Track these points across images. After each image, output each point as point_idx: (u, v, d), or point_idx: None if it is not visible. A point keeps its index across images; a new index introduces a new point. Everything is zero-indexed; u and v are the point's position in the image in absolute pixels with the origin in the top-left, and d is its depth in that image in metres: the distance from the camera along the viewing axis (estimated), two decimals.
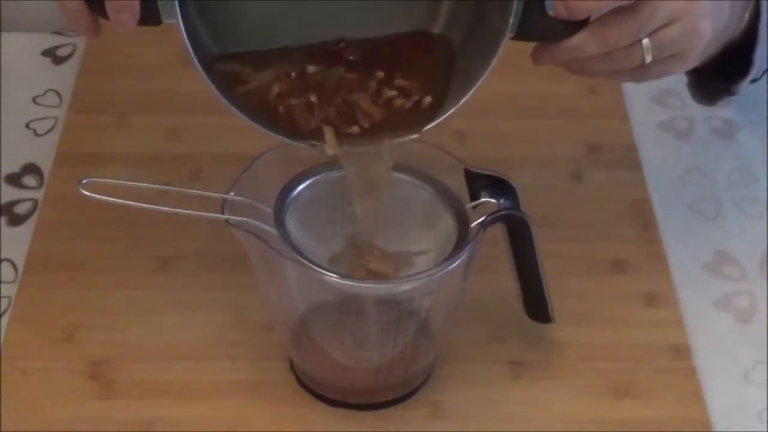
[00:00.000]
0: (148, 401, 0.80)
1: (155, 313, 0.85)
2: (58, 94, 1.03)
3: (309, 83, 0.73)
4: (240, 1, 0.74)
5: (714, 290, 0.90)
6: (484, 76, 0.71)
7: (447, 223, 0.76)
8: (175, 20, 0.66)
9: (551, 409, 0.81)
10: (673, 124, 1.03)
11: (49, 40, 1.09)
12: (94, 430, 0.78)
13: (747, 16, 0.75)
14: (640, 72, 0.73)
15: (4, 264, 0.89)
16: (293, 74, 0.73)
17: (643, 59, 0.71)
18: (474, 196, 0.77)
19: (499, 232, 0.77)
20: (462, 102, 0.72)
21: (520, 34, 0.71)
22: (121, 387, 0.80)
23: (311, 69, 0.74)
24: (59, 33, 1.09)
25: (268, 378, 0.81)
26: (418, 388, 0.81)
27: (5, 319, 0.84)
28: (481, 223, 0.75)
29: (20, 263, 0.88)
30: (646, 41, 0.71)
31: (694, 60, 0.74)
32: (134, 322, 0.84)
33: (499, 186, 0.77)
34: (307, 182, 0.77)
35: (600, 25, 0.70)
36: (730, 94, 0.81)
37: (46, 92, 1.04)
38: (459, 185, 0.77)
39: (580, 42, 0.71)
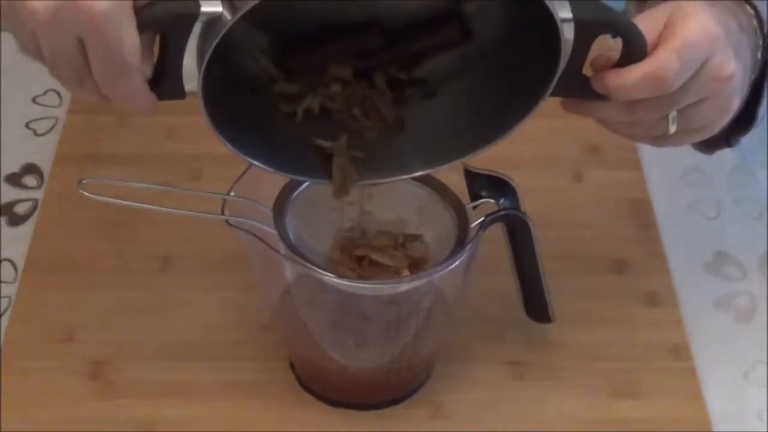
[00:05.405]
0: (148, 401, 0.80)
1: (155, 313, 0.85)
2: (58, 94, 1.03)
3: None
4: None
5: (714, 290, 0.90)
6: (507, 134, 0.71)
7: (447, 224, 0.76)
8: (196, 88, 0.64)
9: (551, 409, 0.81)
10: None
11: None
12: (94, 430, 0.78)
13: (753, 76, 0.75)
14: (662, 139, 0.73)
15: (4, 264, 0.89)
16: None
17: (667, 130, 0.71)
18: (474, 196, 0.77)
19: (499, 232, 0.77)
20: (477, 153, 0.71)
21: (552, 91, 0.69)
22: (121, 387, 0.80)
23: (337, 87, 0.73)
24: None
25: (268, 378, 0.81)
26: (418, 388, 0.81)
27: (5, 319, 0.84)
28: (481, 223, 0.75)
29: (20, 263, 0.88)
30: (672, 114, 0.70)
31: (716, 131, 0.74)
32: (134, 322, 0.84)
33: (499, 186, 0.77)
34: (307, 182, 0.77)
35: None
36: (729, 145, 0.81)
37: (46, 92, 1.04)
38: (459, 185, 0.77)
39: (608, 108, 0.70)
